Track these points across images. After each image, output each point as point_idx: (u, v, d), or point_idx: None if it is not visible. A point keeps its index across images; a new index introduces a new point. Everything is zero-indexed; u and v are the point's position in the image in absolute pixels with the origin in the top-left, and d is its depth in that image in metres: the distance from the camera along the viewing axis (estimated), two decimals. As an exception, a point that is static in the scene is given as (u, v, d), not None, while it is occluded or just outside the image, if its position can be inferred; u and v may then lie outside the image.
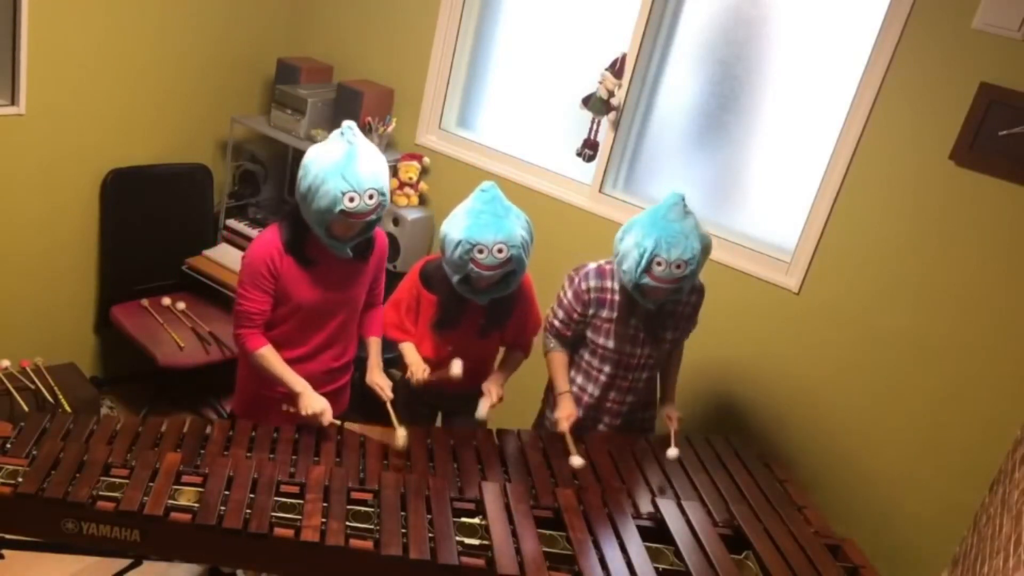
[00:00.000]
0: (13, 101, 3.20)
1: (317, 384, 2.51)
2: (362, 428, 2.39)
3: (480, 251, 2.42)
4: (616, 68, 3.26)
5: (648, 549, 2.18)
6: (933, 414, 2.89)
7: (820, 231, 2.98)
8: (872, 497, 3.04)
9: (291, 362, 2.51)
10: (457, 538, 2.10)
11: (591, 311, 2.64)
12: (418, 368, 2.62)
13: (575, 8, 3.44)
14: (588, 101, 3.33)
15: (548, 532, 2.20)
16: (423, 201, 3.80)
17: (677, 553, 2.20)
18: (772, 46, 3.09)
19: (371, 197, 2.32)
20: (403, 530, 2.09)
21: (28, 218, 3.40)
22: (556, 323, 2.71)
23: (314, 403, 2.41)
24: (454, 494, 2.28)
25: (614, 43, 3.29)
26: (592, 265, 2.66)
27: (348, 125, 2.37)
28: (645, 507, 2.37)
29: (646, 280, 2.44)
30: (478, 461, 2.49)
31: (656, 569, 2.12)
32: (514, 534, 2.14)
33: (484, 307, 2.62)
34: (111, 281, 3.70)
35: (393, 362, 2.87)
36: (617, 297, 2.62)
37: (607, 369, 2.68)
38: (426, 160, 3.76)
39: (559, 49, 3.51)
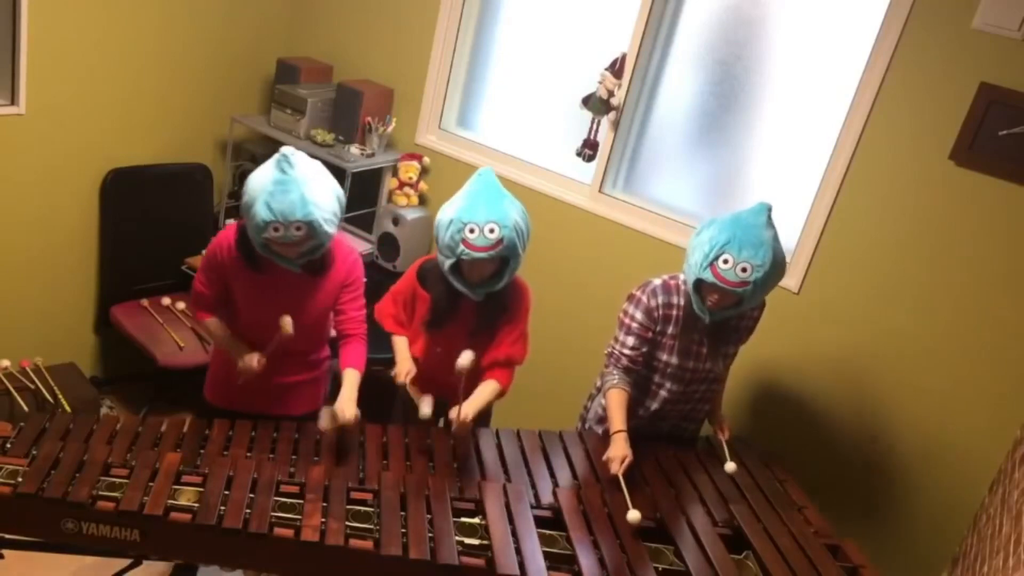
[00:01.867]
0: (13, 101, 3.20)
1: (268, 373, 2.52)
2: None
3: (471, 230, 2.37)
4: (616, 68, 3.26)
5: (648, 549, 2.19)
6: (933, 414, 2.89)
7: (820, 231, 2.98)
8: (872, 497, 3.04)
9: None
10: (457, 538, 2.10)
11: (658, 327, 2.55)
12: (403, 369, 2.57)
13: (575, 8, 3.44)
14: (588, 101, 3.33)
15: (548, 532, 2.20)
16: (423, 201, 3.80)
17: (677, 553, 2.21)
18: (772, 46, 3.09)
19: (298, 229, 2.26)
20: (403, 530, 2.09)
21: (28, 218, 3.40)
22: (626, 353, 2.54)
23: (246, 356, 2.44)
24: (454, 494, 2.28)
25: (614, 43, 3.29)
26: (657, 281, 2.56)
27: (284, 153, 2.27)
28: (645, 507, 2.37)
29: (708, 274, 2.35)
30: (478, 461, 2.49)
31: (656, 569, 2.12)
32: (514, 534, 2.14)
33: (476, 308, 2.57)
34: (111, 281, 3.70)
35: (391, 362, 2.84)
36: (682, 313, 2.54)
37: (668, 384, 2.61)
38: (426, 160, 3.76)
39: (559, 49, 3.51)
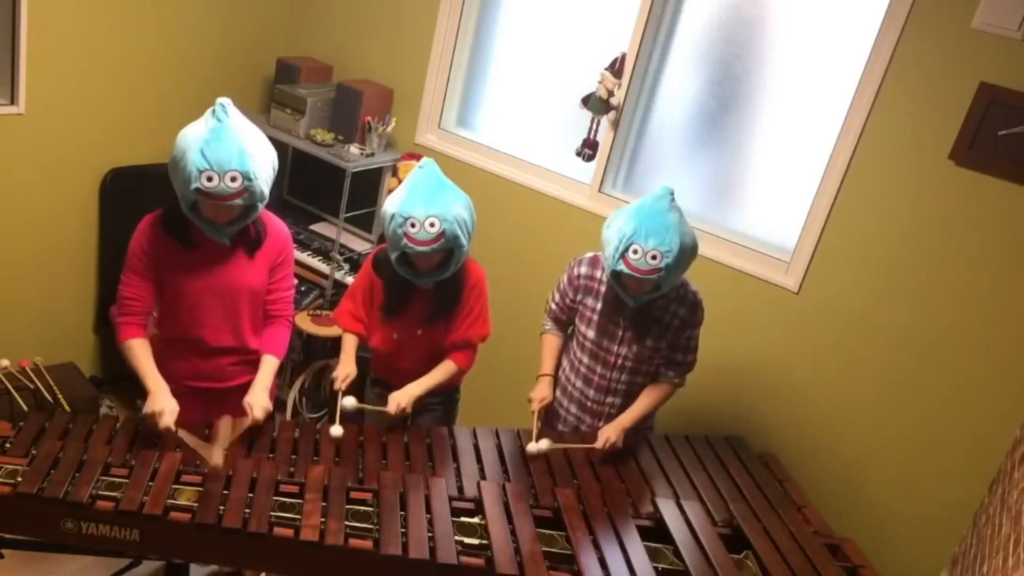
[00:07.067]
0: (13, 101, 3.20)
1: (209, 379, 2.48)
2: (188, 437, 2.27)
3: (412, 224, 2.40)
4: (616, 68, 3.26)
5: (648, 549, 2.19)
6: (933, 413, 2.89)
7: (820, 231, 2.98)
8: (872, 497, 3.04)
9: (178, 353, 2.45)
10: (456, 537, 2.10)
11: (579, 297, 2.69)
12: (343, 374, 2.57)
13: (575, 8, 3.44)
14: (588, 101, 3.33)
15: (548, 532, 2.20)
16: (423, 201, 3.80)
17: (677, 553, 2.21)
18: (772, 46, 3.09)
19: (233, 180, 2.16)
20: (402, 529, 2.09)
21: (28, 218, 3.40)
22: (553, 305, 2.79)
23: (156, 402, 2.25)
24: (453, 494, 2.28)
25: (614, 43, 3.29)
26: (588, 254, 2.71)
27: (221, 103, 2.22)
28: (645, 507, 2.37)
29: (622, 267, 2.43)
30: (478, 461, 2.49)
31: (656, 569, 2.12)
32: (513, 534, 2.14)
33: (431, 295, 2.60)
34: (111, 281, 3.69)
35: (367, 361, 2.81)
36: (604, 289, 2.64)
37: (585, 360, 2.70)
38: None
39: (559, 49, 3.51)
